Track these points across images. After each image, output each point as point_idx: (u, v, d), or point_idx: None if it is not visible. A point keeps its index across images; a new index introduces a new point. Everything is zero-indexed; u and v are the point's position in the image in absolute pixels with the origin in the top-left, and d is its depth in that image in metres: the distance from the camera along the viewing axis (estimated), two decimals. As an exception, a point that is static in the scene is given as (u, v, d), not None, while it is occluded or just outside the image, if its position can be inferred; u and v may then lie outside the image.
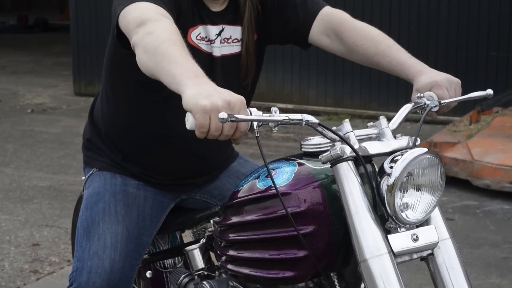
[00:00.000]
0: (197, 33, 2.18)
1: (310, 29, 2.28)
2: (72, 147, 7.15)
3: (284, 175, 1.88)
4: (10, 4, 28.00)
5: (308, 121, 1.68)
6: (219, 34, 2.21)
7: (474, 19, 8.02)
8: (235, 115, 1.57)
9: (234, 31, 2.25)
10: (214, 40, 2.21)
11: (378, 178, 1.75)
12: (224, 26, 2.22)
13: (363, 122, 7.97)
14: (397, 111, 1.96)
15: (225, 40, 2.23)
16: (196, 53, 2.00)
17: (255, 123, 1.64)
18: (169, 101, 2.05)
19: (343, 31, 2.23)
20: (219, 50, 2.22)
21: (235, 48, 2.25)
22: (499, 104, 7.11)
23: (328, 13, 2.28)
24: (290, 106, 8.79)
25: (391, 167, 1.72)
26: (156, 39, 1.78)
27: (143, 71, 1.81)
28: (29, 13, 22.29)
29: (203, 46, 2.19)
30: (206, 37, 2.19)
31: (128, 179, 2.34)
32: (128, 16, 1.92)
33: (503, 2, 7.91)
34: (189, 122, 1.61)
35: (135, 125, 2.29)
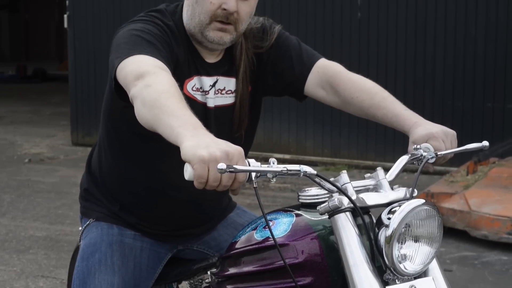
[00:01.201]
0: (193, 84, 2.20)
1: (305, 81, 2.31)
2: (69, 197, 7.13)
3: (281, 226, 1.88)
4: (9, 54, 28.23)
5: (306, 172, 1.69)
6: (213, 85, 2.23)
7: (469, 70, 8.10)
8: (233, 166, 1.58)
9: (228, 83, 2.27)
10: (208, 91, 2.23)
11: (376, 229, 1.76)
12: (218, 77, 2.25)
13: (360, 173, 7.97)
14: (394, 161, 1.98)
15: (219, 91, 2.25)
16: (192, 104, 2.02)
17: (253, 174, 1.64)
18: (166, 153, 2.06)
19: (338, 84, 2.26)
20: (213, 101, 2.24)
21: (228, 99, 2.27)
22: (496, 154, 7.13)
23: (323, 65, 2.31)
24: (287, 156, 8.80)
25: (389, 219, 1.73)
26: (154, 92, 1.80)
27: (141, 123, 1.83)
28: (28, 63, 22.45)
29: (198, 96, 2.21)
30: (201, 87, 2.22)
31: (124, 230, 2.33)
32: (126, 69, 1.94)
33: (498, 53, 7.99)
34: (188, 172, 1.62)
35: (132, 176, 2.29)
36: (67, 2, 10.20)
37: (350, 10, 8.53)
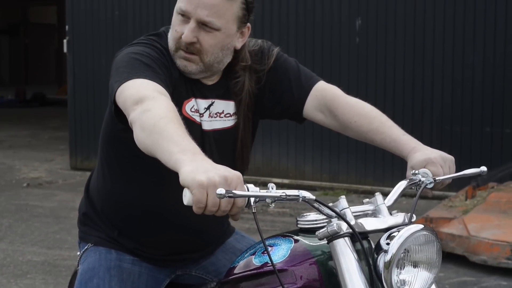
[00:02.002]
0: (191, 105, 2.21)
1: (304, 104, 2.32)
2: (67, 221, 7.11)
3: (280, 251, 1.88)
4: (8, 78, 28.33)
5: (305, 197, 1.69)
6: (208, 108, 2.24)
7: (468, 95, 8.12)
8: (232, 191, 1.58)
9: (227, 106, 2.27)
10: (202, 113, 2.23)
11: (375, 254, 1.76)
12: (214, 100, 2.25)
13: (359, 197, 7.97)
14: (392, 186, 1.99)
15: (217, 114, 2.25)
16: (190, 125, 2.03)
17: (252, 199, 1.64)
18: (164, 177, 2.06)
19: (337, 108, 2.27)
20: (208, 124, 2.24)
21: (227, 123, 2.28)
22: (495, 179, 7.13)
23: (321, 89, 2.32)
24: (286, 181, 8.79)
25: (388, 244, 1.73)
26: (153, 117, 1.81)
27: (140, 148, 1.83)
28: (27, 88, 22.54)
29: (197, 118, 2.22)
30: (198, 109, 2.23)
31: (123, 255, 2.33)
32: (125, 93, 1.95)
33: (496, 78, 8.02)
34: (187, 197, 1.62)
35: (131, 200, 2.29)
36: (67, 27, 10.25)
37: (348, 35, 8.57)
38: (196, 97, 2.22)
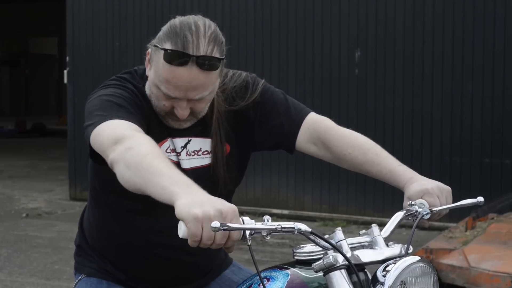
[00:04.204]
0: (167, 146, 2.20)
1: (296, 138, 2.29)
2: (66, 252, 7.08)
3: (277, 283, 1.87)
4: (8, 109, 28.41)
5: (300, 229, 1.69)
6: (185, 146, 2.22)
7: (467, 126, 8.14)
8: (227, 224, 1.58)
9: (203, 143, 2.25)
10: (180, 152, 2.21)
11: (372, 286, 1.75)
12: (191, 138, 2.23)
13: (358, 228, 7.94)
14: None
15: (195, 152, 2.23)
16: None
17: (247, 232, 1.64)
18: (147, 211, 2.06)
19: (330, 140, 2.25)
20: (188, 162, 2.22)
21: (205, 160, 2.25)
22: (494, 210, 7.11)
23: (312, 121, 2.29)
24: (285, 211, 8.77)
25: (384, 276, 1.72)
26: (137, 154, 1.80)
27: (126, 187, 1.82)
28: (27, 118, 22.61)
29: (173, 157, 2.20)
30: (174, 149, 2.21)
31: (114, 285, 2.32)
32: (102, 135, 1.94)
33: (494, 109, 8.04)
34: (182, 230, 1.62)
35: (117, 234, 2.29)
36: (67, 58, 10.30)
37: (347, 67, 8.61)
38: (172, 136, 2.20)
